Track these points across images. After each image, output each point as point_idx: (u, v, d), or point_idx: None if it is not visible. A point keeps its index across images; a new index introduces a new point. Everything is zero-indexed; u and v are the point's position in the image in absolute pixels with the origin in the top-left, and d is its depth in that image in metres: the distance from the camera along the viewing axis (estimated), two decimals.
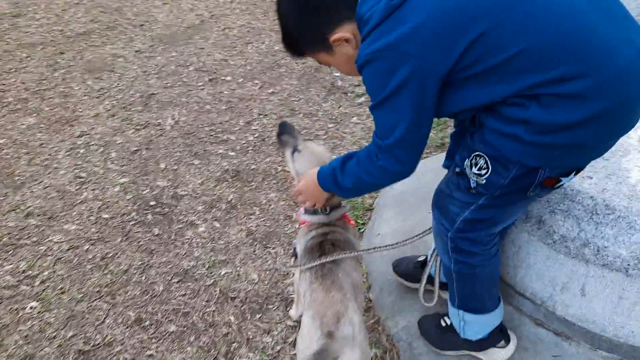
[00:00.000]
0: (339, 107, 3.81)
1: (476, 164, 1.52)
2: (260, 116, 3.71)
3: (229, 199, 2.99)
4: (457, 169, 1.62)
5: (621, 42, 1.30)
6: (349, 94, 3.96)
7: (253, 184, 3.10)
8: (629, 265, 1.73)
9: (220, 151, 3.37)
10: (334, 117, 3.69)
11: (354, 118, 3.68)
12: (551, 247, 1.87)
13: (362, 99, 3.89)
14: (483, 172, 1.51)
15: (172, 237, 2.76)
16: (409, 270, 2.27)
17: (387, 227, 2.62)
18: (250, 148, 3.40)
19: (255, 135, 3.52)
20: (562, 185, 1.52)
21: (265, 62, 4.40)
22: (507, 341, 1.93)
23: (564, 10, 1.28)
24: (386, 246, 2.03)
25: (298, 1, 1.46)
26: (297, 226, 2.76)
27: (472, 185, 1.57)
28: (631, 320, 1.83)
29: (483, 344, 1.92)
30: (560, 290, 1.92)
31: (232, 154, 3.35)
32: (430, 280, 2.05)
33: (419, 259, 2.26)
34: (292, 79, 4.16)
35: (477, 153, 1.50)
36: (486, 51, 1.29)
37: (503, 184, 1.50)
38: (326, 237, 1.91)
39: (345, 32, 1.46)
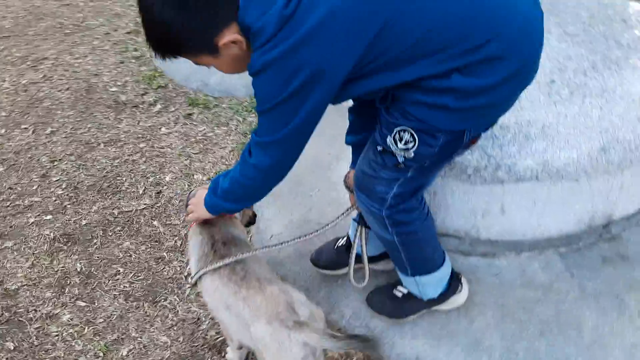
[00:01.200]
0: (138, 123, 3.39)
1: (401, 139, 1.49)
2: (55, 163, 3.11)
3: (78, 269, 2.47)
4: (379, 147, 1.57)
5: (510, 5, 1.37)
6: (141, 106, 3.55)
7: (95, 241, 2.61)
8: (537, 171, 1.89)
9: (32, 220, 2.75)
10: (140, 136, 3.28)
11: (162, 129, 3.33)
12: (467, 182, 1.95)
13: (158, 106, 3.53)
14: (410, 145, 1.48)
15: (36, 343, 2.19)
16: (333, 258, 2.17)
17: (277, 226, 2.46)
18: (67, 202, 2.84)
19: (63, 187, 2.94)
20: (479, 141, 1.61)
21: (20, 101, 3.67)
22: (461, 284, 2.00)
23: None
24: (305, 235, 1.90)
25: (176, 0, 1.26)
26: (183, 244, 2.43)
27: (400, 160, 1.54)
28: (544, 217, 2.04)
29: (445, 296, 1.95)
30: (482, 217, 2.04)
31: (48, 217, 2.76)
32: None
33: (339, 244, 2.17)
34: (65, 109, 3.56)
35: (400, 128, 1.47)
36: (389, 43, 1.29)
37: (433, 153, 1.51)
38: (214, 239, 1.80)
39: (233, 33, 1.32)
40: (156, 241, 2.58)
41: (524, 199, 1.97)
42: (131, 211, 2.75)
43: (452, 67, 1.33)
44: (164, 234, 2.61)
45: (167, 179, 2.94)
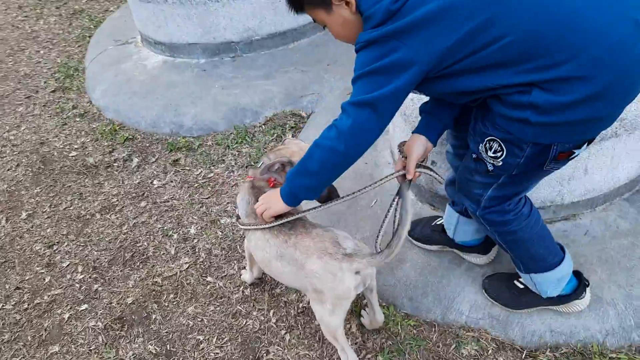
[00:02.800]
0: (124, 183, 3.09)
1: (491, 148, 1.59)
2: (54, 247, 2.74)
3: (153, 351, 2.21)
4: (474, 155, 1.68)
5: (614, 19, 1.36)
6: (115, 164, 3.24)
7: (154, 316, 2.34)
8: (616, 127, 2.03)
9: (66, 315, 2.40)
10: (134, 195, 3.00)
11: (154, 182, 3.07)
12: None
13: (135, 160, 3.24)
14: (498, 154, 1.59)
15: None
16: (426, 234, 2.29)
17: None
18: (96, 285, 2.51)
19: (80, 270, 2.60)
20: (576, 156, 1.63)
21: None
22: (585, 290, 2.00)
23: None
24: (342, 197, 1.86)
25: None
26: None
27: (490, 168, 1.65)
28: (618, 169, 2.18)
29: (566, 299, 1.98)
30: (567, 181, 2.14)
31: (84, 307, 2.42)
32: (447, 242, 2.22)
33: (437, 222, 2.25)
34: (29, 188, 3.14)
35: (490, 137, 1.58)
36: (474, 47, 1.39)
37: (519, 163, 1.60)
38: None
39: None
40: (221, 297, 2.38)
41: (605, 157, 2.09)
42: (175, 274, 2.51)
43: (530, 80, 1.39)
44: (226, 287, 2.42)
45: (193, 231, 2.72)
